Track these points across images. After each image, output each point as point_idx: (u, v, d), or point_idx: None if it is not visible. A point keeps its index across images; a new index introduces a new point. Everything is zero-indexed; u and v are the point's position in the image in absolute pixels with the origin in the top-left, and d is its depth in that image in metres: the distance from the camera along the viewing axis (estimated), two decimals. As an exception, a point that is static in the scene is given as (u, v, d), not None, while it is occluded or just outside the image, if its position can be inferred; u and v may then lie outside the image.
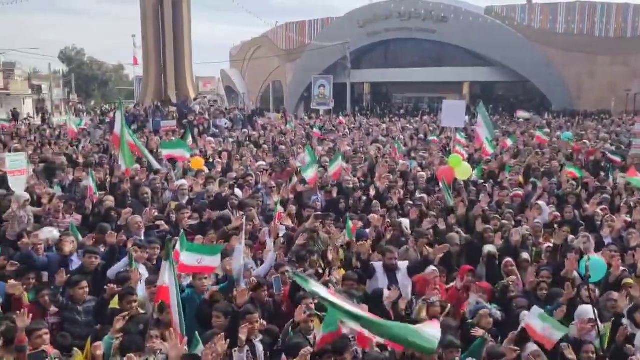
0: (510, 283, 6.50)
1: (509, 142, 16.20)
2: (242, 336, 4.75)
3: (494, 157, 13.30)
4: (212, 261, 5.97)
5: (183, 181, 9.93)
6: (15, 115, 35.81)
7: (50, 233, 7.20)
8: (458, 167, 10.61)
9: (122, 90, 75.36)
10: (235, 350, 4.72)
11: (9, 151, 13.22)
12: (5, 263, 6.43)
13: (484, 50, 42.40)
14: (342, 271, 6.79)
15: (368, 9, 47.47)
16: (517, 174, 11.81)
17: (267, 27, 52.83)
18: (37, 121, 34.04)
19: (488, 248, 7.48)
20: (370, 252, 7.04)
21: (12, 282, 5.62)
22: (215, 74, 64.29)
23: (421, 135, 19.47)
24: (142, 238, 7.36)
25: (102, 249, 6.92)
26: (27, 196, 8.01)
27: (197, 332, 5.01)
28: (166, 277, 4.98)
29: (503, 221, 8.57)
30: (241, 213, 8.48)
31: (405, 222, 8.39)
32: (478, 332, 5.32)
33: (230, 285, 5.96)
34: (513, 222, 8.58)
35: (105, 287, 5.82)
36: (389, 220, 8.75)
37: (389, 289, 6.20)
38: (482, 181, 11.42)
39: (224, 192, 9.43)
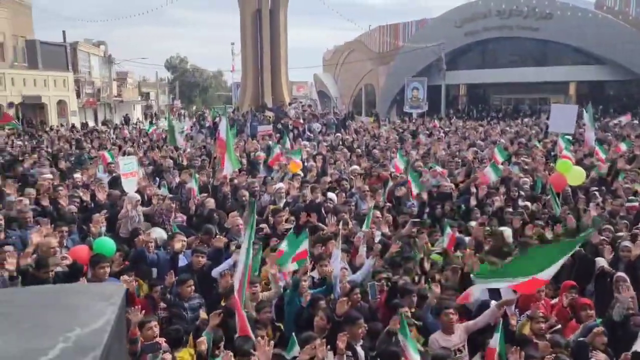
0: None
1: (623, 147, 14.94)
2: (342, 344, 4.73)
3: (610, 162, 12.28)
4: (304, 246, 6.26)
5: (281, 184, 10.16)
6: (126, 121, 38.75)
7: (159, 233, 7.64)
8: (569, 172, 9.94)
9: (221, 95, 78.99)
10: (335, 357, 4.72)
11: (123, 154, 14.30)
12: (120, 259, 6.92)
13: (594, 47, 39.54)
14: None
15: (466, 8, 46.04)
16: (632, 181, 10.86)
17: (361, 31, 53.04)
18: (145, 125, 36.50)
19: (601, 262, 6.92)
20: (475, 262, 6.73)
21: (125, 277, 6.01)
22: (308, 78, 65.50)
23: (522, 139, 18.50)
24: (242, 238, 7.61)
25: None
26: (139, 197, 8.57)
27: (293, 334, 5.06)
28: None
29: (617, 233, 7.89)
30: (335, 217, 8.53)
31: (507, 232, 7.99)
32: (599, 356, 4.93)
33: (327, 289, 5.98)
34: (629, 235, 7.87)
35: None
36: (488, 228, 8.38)
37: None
38: (594, 188, 10.61)
39: (317, 198, 9.47)
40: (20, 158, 13.56)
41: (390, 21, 52.94)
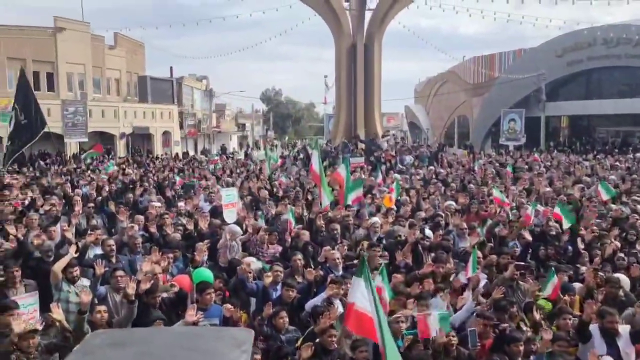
0: None
1: None
2: None
3: None
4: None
5: (375, 219, 10.07)
6: (223, 150, 40.63)
7: (255, 264, 7.83)
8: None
9: (313, 126, 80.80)
10: None
11: (222, 184, 14.94)
12: (220, 285, 7.12)
13: None
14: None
15: (569, 37, 43.93)
16: None
17: (454, 62, 52.26)
18: (241, 155, 38.03)
19: None
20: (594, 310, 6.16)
21: (228, 305, 6.18)
22: (399, 109, 65.39)
23: (635, 176, 17.09)
24: (340, 272, 7.58)
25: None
26: (240, 231, 8.84)
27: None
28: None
29: None
30: (432, 255, 8.29)
31: (625, 280, 7.31)
32: None
33: None
34: None
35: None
36: (602, 274, 7.72)
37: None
38: None
39: (414, 234, 9.20)
40: (131, 186, 14.53)
41: (485, 52, 51.82)
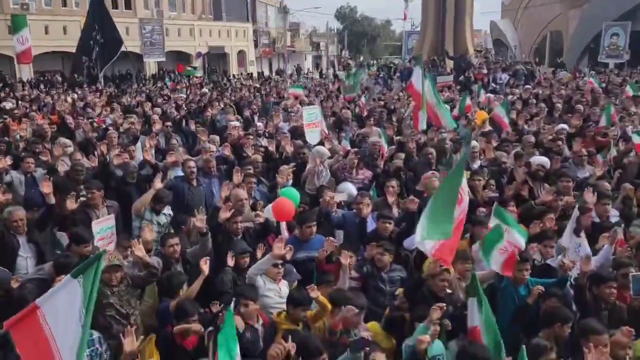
0: None
1: None
2: None
3: None
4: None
5: (475, 143, 8.89)
6: (298, 71, 39.57)
7: (348, 189, 7.06)
8: None
9: (388, 45, 77.26)
10: None
11: (300, 104, 14.07)
12: (302, 209, 6.45)
13: None
14: None
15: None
16: None
17: (551, -30, 46.92)
18: (316, 75, 36.84)
19: None
20: None
21: (332, 239, 5.57)
22: (483, 26, 60.63)
23: None
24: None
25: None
26: (328, 153, 8.02)
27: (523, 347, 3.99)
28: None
29: None
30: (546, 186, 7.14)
31: None
32: None
33: (561, 281, 4.85)
34: None
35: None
36: None
37: None
38: None
39: (521, 165, 7.99)
40: (208, 104, 14.00)
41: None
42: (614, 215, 6.51)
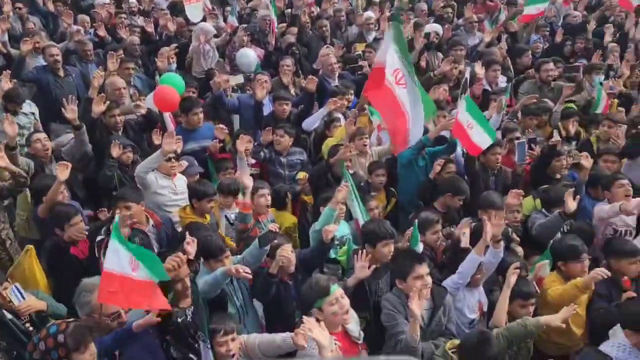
0: None
1: None
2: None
3: None
4: None
5: (370, 13, 8.48)
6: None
7: (239, 79, 6.55)
8: None
9: None
10: None
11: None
12: (190, 94, 5.92)
13: None
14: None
15: None
16: None
17: None
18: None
19: None
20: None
21: (221, 126, 5.29)
22: None
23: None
24: (335, 82, 6.42)
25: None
26: (213, 30, 7.26)
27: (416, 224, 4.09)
28: None
29: None
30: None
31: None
32: None
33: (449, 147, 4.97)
34: None
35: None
36: None
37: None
38: None
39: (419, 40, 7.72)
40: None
41: None
42: (501, 81, 6.66)
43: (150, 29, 7.84)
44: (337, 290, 3.01)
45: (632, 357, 2.97)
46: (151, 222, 4.21)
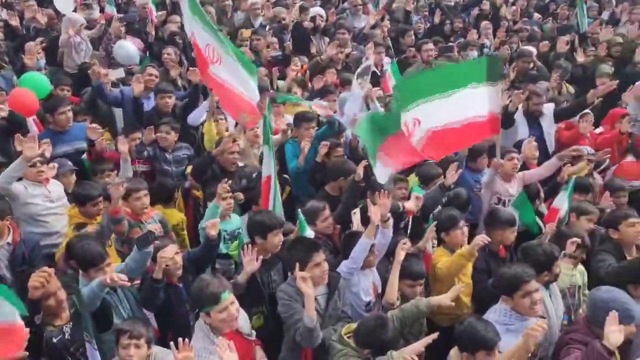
0: None
1: None
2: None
3: None
4: None
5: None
6: None
7: (119, 73, 6.16)
8: None
9: None
10: None
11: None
12: (65, 92, 5.50)
13: None
14: None
15: None
16: None
17: None
18: None
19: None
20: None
21: (94, 125, 4.86)
22: None
23: None
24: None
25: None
26: (84, 21, 6.74)
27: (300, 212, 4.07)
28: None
29: None
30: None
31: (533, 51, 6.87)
32: None
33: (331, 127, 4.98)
34: None
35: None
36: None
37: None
38: None
39: (305, 19, 7.74)
40: None
41: None
42: (387, 62, 6.83)
43: (15, 22, 7.14)
44: (227, 298, 2.88)
45: (513, 319, 3.15)
46: (10, 238, 3.79)
